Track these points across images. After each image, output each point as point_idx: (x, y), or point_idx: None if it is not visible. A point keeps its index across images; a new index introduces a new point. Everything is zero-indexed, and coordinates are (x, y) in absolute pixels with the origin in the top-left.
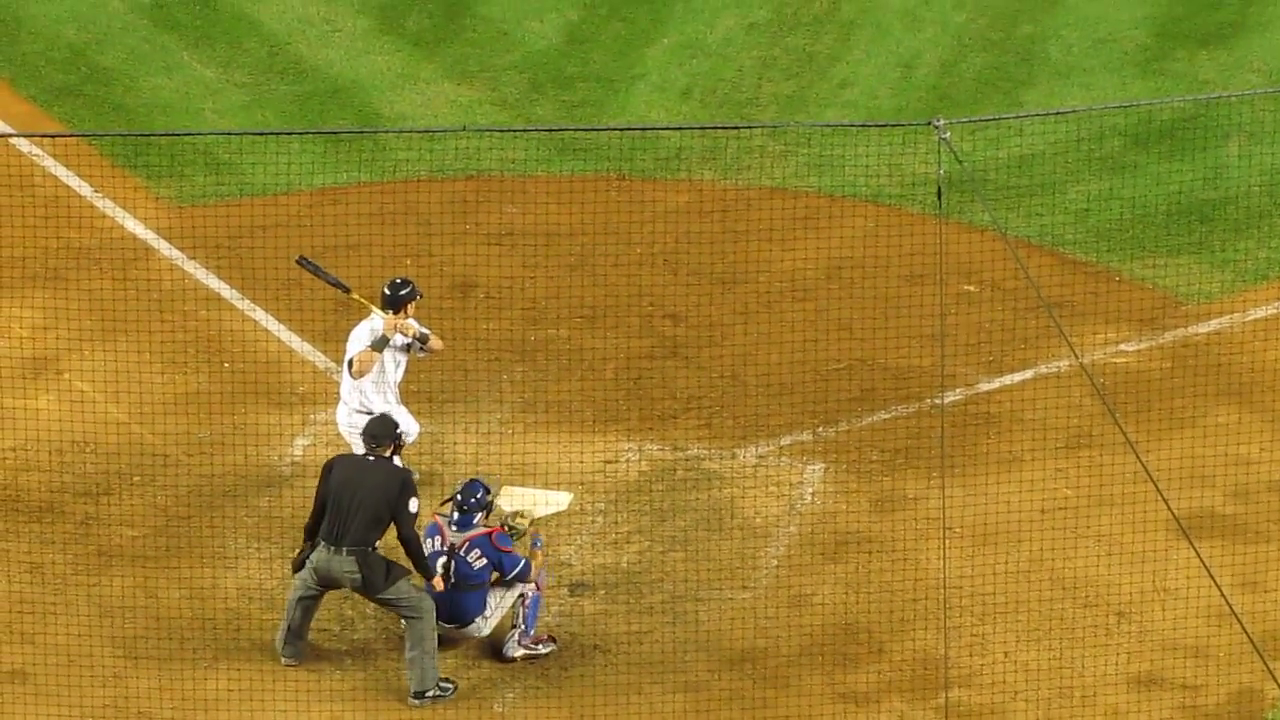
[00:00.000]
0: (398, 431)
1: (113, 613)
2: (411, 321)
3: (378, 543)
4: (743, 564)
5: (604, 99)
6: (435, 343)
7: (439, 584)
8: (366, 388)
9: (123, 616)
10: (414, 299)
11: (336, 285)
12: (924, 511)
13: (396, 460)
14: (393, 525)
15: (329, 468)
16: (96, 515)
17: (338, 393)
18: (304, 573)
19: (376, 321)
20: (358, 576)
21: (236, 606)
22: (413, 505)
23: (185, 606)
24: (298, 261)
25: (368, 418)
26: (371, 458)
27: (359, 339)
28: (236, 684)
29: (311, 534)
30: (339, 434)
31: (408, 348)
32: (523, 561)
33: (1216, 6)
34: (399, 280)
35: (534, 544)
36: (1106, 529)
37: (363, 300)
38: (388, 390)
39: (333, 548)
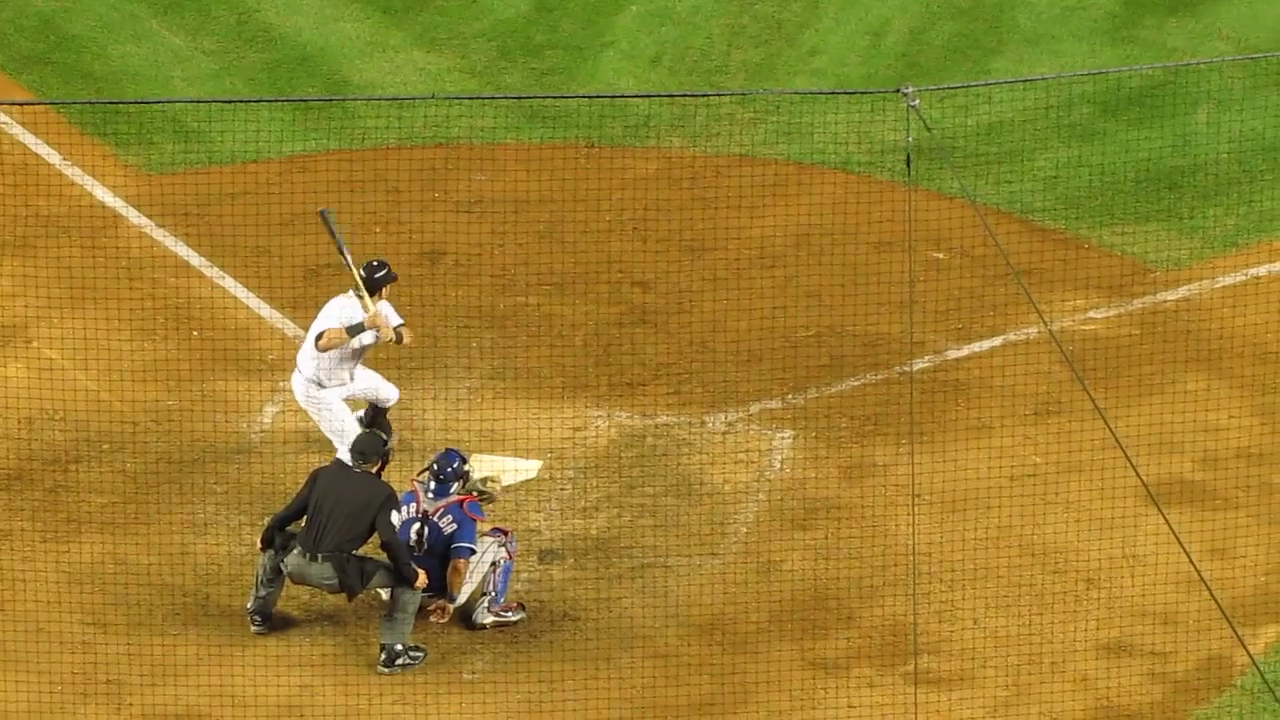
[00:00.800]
0: (386, 449)
1: (82, 580)
2: (388, 309)
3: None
4: (712, 531)
5: (573, 66)
6: (408, 338)
7: (422, 580)
8: (327, 364)
9: (92, 584)
10: (390, 282)
11: (340, 251)
12: (893, 479)
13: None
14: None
15: (314, 477)
16: (65, 483)
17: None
18: (272, 561)
19: (356, 310)
20: (334, 582)
21: (206, 574)
22: (394, 518)
23: (154, 574)
24: (320, 213)
25: (323, 391)
26: (357, 470)
27: (330, 315)
28: (206, 651)
29: (282, 524)
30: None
31: (377, 337)
32: (472, 540)
33: None
34: (375, 262)
35: (507, 547)
36: (1075, 496)
37: (356, 275)
38: (347, 370)
39: (308, 554)
